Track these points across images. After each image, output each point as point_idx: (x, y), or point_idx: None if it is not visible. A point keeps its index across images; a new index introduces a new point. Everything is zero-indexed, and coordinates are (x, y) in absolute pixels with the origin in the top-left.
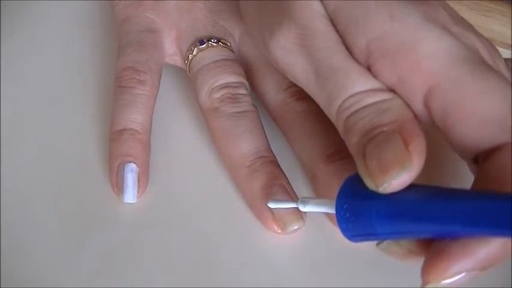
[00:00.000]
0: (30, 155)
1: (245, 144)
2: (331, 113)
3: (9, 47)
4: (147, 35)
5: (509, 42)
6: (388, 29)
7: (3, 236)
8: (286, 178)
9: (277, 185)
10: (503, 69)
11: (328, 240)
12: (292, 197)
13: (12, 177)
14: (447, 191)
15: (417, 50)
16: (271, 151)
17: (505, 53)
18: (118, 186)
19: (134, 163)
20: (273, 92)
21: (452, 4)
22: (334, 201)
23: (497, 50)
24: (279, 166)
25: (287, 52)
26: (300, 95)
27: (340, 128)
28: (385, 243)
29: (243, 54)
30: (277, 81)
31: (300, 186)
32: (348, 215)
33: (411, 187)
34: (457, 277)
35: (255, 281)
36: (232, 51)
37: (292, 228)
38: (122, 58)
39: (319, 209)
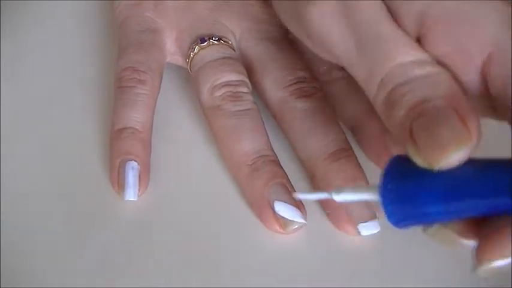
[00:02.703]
0: (30, 155)
1: (246, 143)
2: (372, 85)
3: (9, 47)
4: (148, 35)
5: None
6: None
7: (3, 236)
8: (287, 177)
9: (278, 183)
10: None
11: (329, 239)
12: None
13: (12, 177)
14: (500, 162)
15: (475, 15)
16: (272, 150)
17: None
18: (119, 184)
19: (135, 161)
20: (273, 90)
21: None
22: (373, 187)
23: None
24: (279, 165)
25: (325, 19)
26: (301, 93)
27: (379, 102)
28: (434, 228)
29: (244, 52)
30: (278, 79)
31: (301, 185)
32: (394, 197)
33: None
34: None
35: (256, 281)
36: (234, 49)
37: (293, 228)
38: (123, 58)
39: (356, 197)
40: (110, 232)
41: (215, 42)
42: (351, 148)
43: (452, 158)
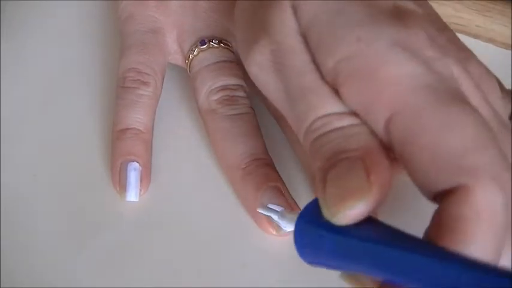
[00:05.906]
0: (30, 155)
1: (241, 147)
2: (300, 134)
3: (9, 47)
4: (151, 36)
5: (510, 42)
6: (353, 51)
7: (3, 236)
8: (281, 180)
9: (271, 187)
10: (493, 99)
11: None
12: (287, 198)
13: (12, 177)
14: (406, 238)
15: (379, 74)
16: (267, 154)
17: (505, 53)
18: (120, 184)
19: (137, 162)
20: None
21: (452, 4)
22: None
23: (492, 78)
24: (274, 168)
25: (261, 69)
26: None
27: (307, 151)
28: (344, 274)
29: None
30: None
31: (300, 187)
32: (306, 241)
33: (370, 223)
34: None
35: (256, 281)
36: (233, 52)
37: (287, 231)
38: (126, 59)
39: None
40: (111, 232)
41: (215, 45)
42: None
43: (349, 211)
